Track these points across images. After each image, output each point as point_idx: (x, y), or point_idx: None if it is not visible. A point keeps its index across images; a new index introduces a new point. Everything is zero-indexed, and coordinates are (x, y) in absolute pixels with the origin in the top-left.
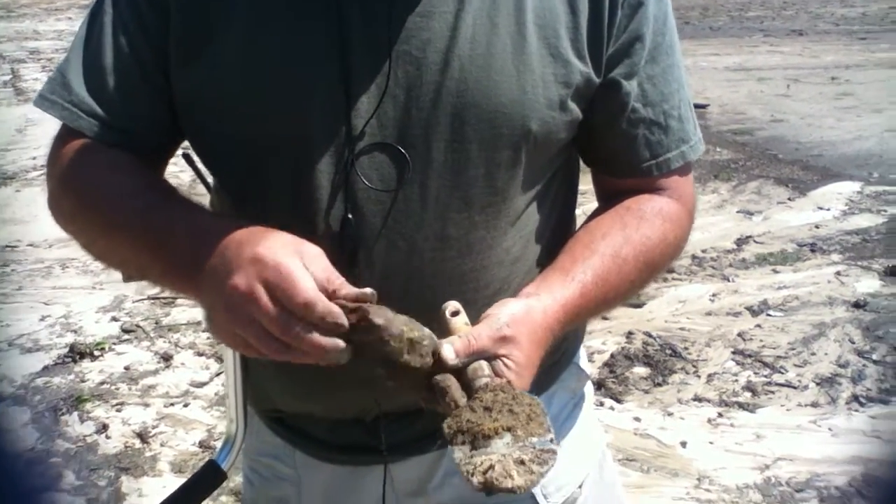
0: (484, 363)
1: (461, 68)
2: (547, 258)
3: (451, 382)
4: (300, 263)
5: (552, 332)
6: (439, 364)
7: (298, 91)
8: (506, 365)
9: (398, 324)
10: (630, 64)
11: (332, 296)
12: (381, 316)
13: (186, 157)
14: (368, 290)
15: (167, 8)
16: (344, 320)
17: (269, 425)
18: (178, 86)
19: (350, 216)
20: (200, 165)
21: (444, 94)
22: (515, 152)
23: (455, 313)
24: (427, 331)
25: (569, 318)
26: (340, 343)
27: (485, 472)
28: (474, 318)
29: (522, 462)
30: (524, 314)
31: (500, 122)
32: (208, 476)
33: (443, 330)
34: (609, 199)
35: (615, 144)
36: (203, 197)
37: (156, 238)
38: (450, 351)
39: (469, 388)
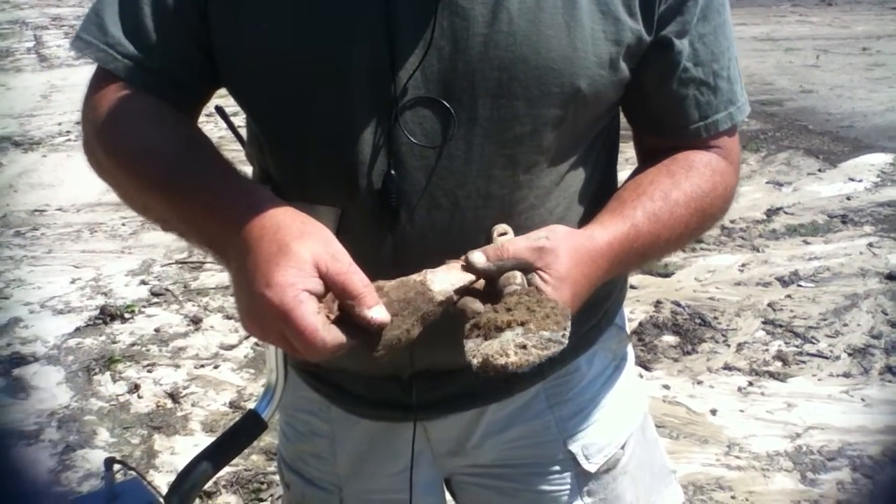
0: (518, 273)
1: (510, 21)
2: (591, 218)
3: (469, 301)
4: (304, 309)
5: (601, 259)
6: (474, 271)
7: (341, 41)
8: (542, 278)
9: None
10: (682, 22)
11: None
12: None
13: (219, 109)
14: (377, 318)
15: None
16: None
17: (307, 380)
18: (217, 31)
19: (393, 172)
20: (233, 119)
21: (491, 47)
22: (563, 111)
23: (503, 234)
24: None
25: (622, 249)
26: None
27: (485, 355)
28: None
29: (524, 347)
30: (569, 233)
31: (548, 78)
32: (249, 425)
33: None
34: (653, 156)
35: (664, 104)
36: (235, 152)
37: (183, 205)
38: (479, 256)
39: (499, 297)
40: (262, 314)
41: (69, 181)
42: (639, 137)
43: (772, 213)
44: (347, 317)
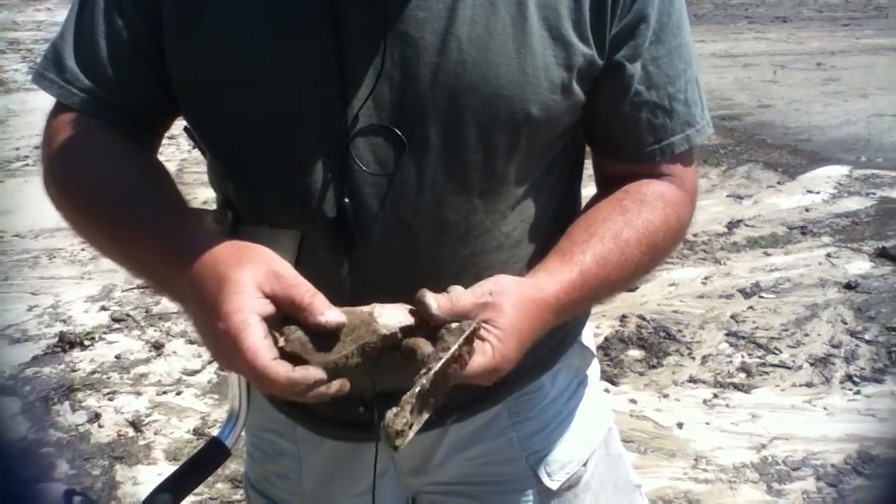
0: (462, 322)
1: (459, 50)
2: (551, 241)
3: (420, 342)
4: (249, 332)
5: (546, 311)
6: (424, 314)
7: (291, 70)
8: (486, 330)
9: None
10: (634, 45)
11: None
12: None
13: (188, 130)
14: (332, 321)
15: None
16: (311, 378)
17: (272, 401)
18: (171, 60)
19: (347, 200)
20: None
21: (441, 75)
22: (514, 136)
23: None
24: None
25: (569, 298)
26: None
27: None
28: None
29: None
30: (513, 286)
31: (498, 105)
32: (212, 453)
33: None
34: (609, 183)
35: (618, 128)
36: (197, 174)
37: (129, 250)
38: (431, 301)
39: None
40: (223, 349)
41: (27, 207)
42: (597, 160)
43: (733, 225)
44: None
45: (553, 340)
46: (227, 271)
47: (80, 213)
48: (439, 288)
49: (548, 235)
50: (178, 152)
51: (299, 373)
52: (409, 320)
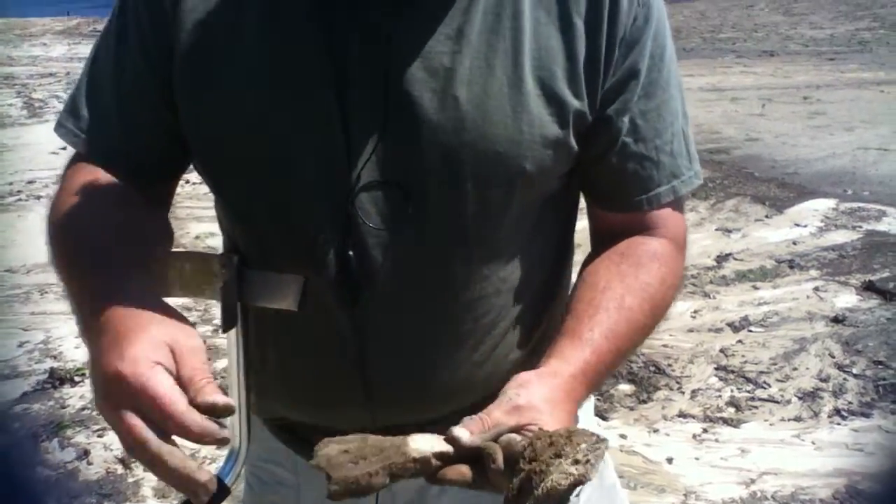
0: (514, 435)
1: (457, 108)
2: (548, 284)
3: (461, 468)
4: (160, 377)
5: (573, 393)
6: (460, 448)
7: (296, 130)
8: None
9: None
10: (624, 100)
11: (190, 400)
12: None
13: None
14: (221, 402)
15: (171, 43)
16: (217, 435)
17: (274, 432)
18: (181, 114)
19: (350, 253)
20: None
21: (440, 133)
22: (510, 190)
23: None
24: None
25: (588, 378)
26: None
27: (549, 486)
28: (461, 365)
29: (577, 462)
30: (535, 381)
31: (495, 161)
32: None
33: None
34: (602, 234)
35: (606, 179)
36: (188, 209)
37: (73, 283)
38: (463, 432)
39: (481, 463)
40: (115, 391)
41: (20, 241)
42: (590, 210)
43: (722, 259)
44: None
45: None
46: (147, 323)
47: (51, 250)
48: (440, 334)
49: (545, 279)
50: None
51: (211, 425)
52: (443, 447)
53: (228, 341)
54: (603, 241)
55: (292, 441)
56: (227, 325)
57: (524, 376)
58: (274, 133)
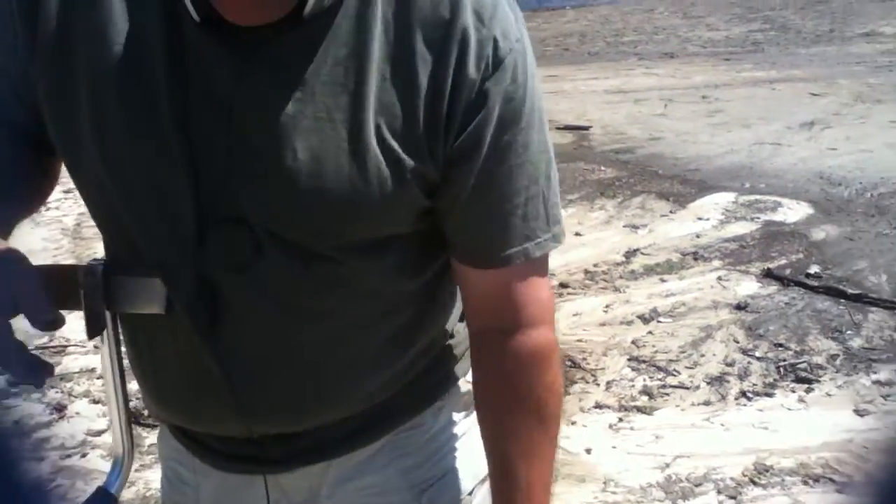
0: None
1: (294, 160)
2: (424, 309)
3: None
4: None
5: None
6: None
7: (146, 165)
8: None
9: None
10: (468, 163)
11: None
12: None
13: None
14: None
15: (33, 56)
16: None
17: (171, 431)
18: (45, 116)
19: (204, 290)
20: None
21: (278, 182)
22: (351, 239)
23: None
24: None
25: None
26: None
27: None
28: (327, 385)
29: None
30: None
31: (331, 213)
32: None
33: None
34: (462, 287)
35: (455, 234)
36: None
37: None
38: None
39: None
40: None
41: None
42: (450, 257)
43: (630, 254)
44: None
45: (430, 380)
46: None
47: None
48: (295, 369)
49: (415, 309)
50: (77, 206)
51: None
52: None
53: (101, 352)
54: (468, 298)
55: (187, 441)
56: (91, 333)
57: None
58: (122, 166)
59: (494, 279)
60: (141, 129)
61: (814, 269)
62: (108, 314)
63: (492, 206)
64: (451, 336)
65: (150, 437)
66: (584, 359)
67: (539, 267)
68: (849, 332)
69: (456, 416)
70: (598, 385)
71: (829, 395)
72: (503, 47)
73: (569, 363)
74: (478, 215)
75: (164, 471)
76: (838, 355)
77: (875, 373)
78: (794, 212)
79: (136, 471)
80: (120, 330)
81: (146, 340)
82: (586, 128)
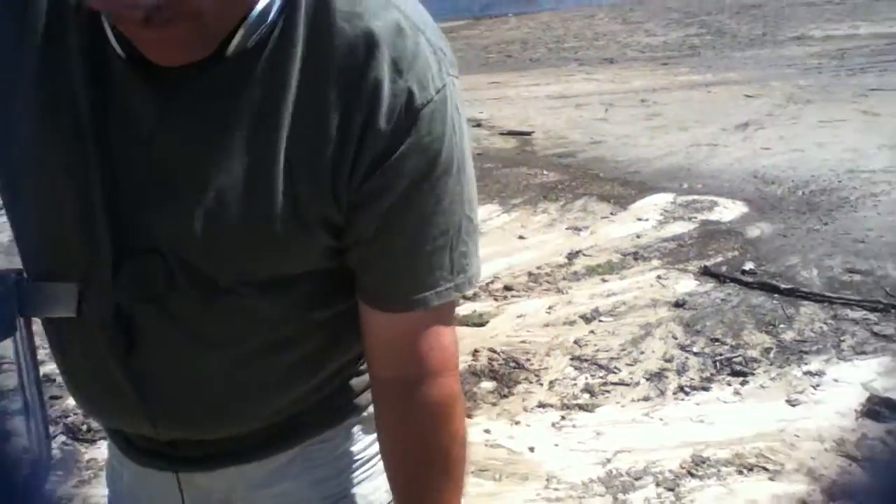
0: None
1: (203, 196)
2: (322, 341)
3: None
4: None
5: None
6: None
7: (65, 196)
8: None
9: None
10: (372, 211)
11: None
12: None
13: None
14: None
15: None
16: None
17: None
18: None
19: (120, 318)
20: None
21: (193, 216)
22: (254, 278)
23: None
24: None
25: None
26: None
27: None
28: (233, 404)
29: None
30: None
31: (236, 252)
32: None
33: None
34: (365, 331)
35: (360, 278)
36: None
37: None
38: None
39: None
40: None
41: None
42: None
43: (572, 256)
44: None
45: (341, 400)
46: None
47: None
48: (203, 394)
49: (317, 336)
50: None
51: None
52: None
53: (15, 357)
54: (370, 344)
55: (110, 433)
56: (2, 336)
57: None
58: (47, 195)
59: (397, 324)
60: (63, 161)
61: (749, 265)
62: (19, 319)
63: (396, 252)
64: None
65: (88, 453)
66: (528, 360)
67: (443, 315)
68: (782, 325)
69: (368, 437)
70: (541, 385)
71: (763, 386)
72: (419, 99)
73: (513, 364)
74: (382, 260)
75: (108, 457)
76: (772, 348)
77: (806, 364)
78: (729, 211)
79: (75, 486)
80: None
81: (66, 343)
82: (529, 133)
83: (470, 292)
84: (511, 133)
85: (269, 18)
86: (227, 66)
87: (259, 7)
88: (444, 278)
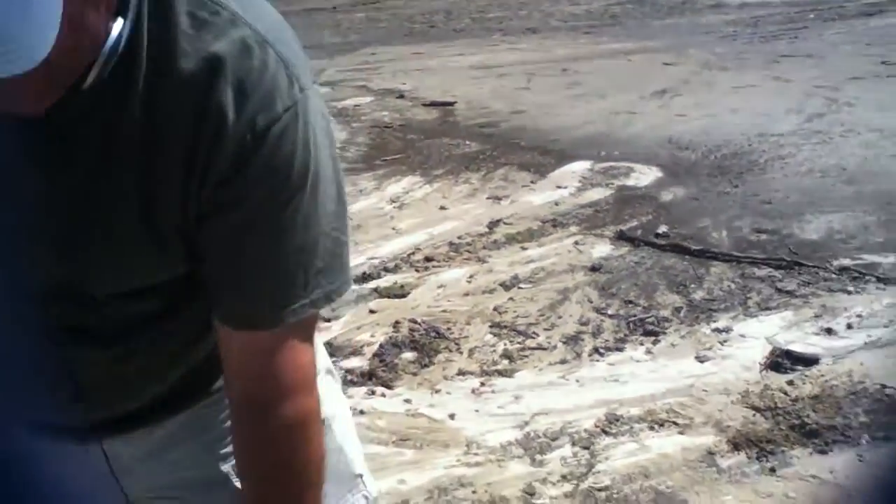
0: None
1: (64, 226)
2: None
3: None
4: None
5: None
6: None
7: None
8: None
9: None
10: (218, 228)
11: None
12: None
13: None
14: None
15: None
16: None
17: None
18: None
19: (52, 342)
20: None
21: (64, 253)
22: (121, 292)
23: None
24: None
25: None
26: None
27: None
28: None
29: None
30: None
31: (93, 281)
32: None
33: None
34: (222, 350)
35: (213, 295)
36: None
37: None
38: None
39: None
40: None
41: None
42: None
43: (493, 225)
44: None
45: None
46: None
47: None
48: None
49: (191, 328)
50: None
51: None
52: None
53: None
54: (226, 362)
55: None
56: None
57: None
58: None
59: (251, 343)
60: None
61: (662, 228)
62: None
63: (245, 269)
64: None
65: None
66: (449, 329)
67: (299, 332)
68: (692, 285)
69: None
70: (461, 353)
71: (674, 345)
72: (265, 119)
73: (433, 334)
74: (231, 278)
75: None
76: (682, 307)
77: (714, 321)
78: (645, 176)
79: None
80: None
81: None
82: (451, 103)
83: (330, 308)
84: (433, 104)
85: (120, 48)
86: (81, 99)
87: (110, 42)
88: (297, 296)
